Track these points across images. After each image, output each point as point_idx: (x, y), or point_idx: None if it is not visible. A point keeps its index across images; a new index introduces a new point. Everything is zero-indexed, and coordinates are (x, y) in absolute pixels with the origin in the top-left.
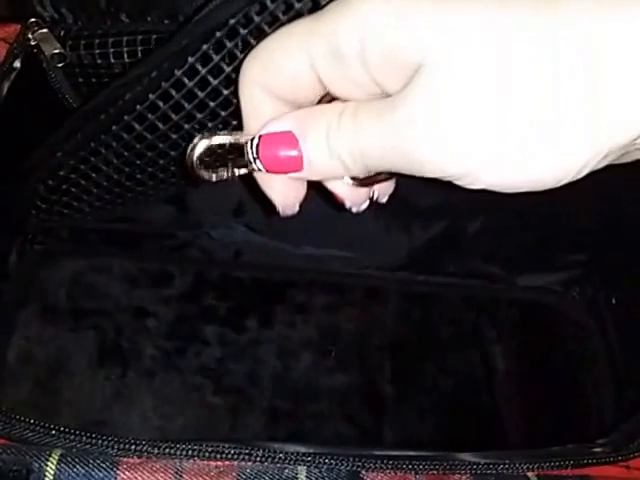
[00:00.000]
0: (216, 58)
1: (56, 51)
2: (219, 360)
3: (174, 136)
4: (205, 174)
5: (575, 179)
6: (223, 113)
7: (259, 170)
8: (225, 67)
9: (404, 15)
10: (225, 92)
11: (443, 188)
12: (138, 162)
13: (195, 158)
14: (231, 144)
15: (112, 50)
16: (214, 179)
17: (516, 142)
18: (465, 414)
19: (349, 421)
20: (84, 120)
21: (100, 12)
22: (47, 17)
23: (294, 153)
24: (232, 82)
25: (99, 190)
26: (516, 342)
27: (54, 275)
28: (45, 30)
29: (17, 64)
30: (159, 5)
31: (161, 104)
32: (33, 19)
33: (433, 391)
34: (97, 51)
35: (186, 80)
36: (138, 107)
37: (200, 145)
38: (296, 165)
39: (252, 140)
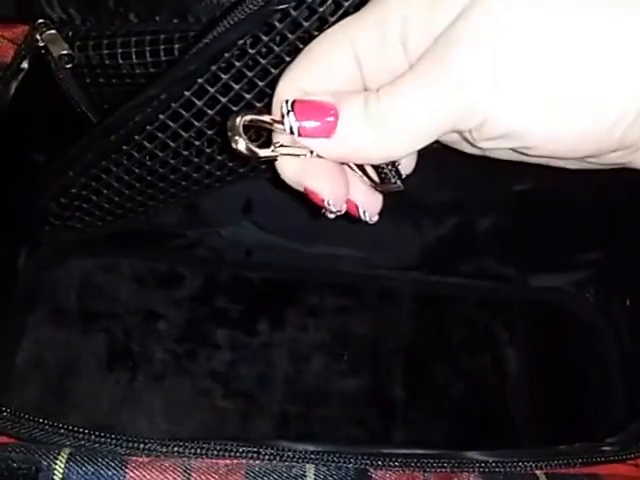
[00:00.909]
0: (225, 77)
1: (64, 52)
2: (230, 364)
3: (185, 152)
4: (249, 148)
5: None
6: None
7: (290, 132)
8: (234, 85)
9: None
10: (234, 108)
11: (455, 187)
12: (149, 178)
13: (240, 129)
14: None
15: (120, 51)
16: (260, 154)
17: (569, 87)
18: (477, 417)
19: (360, 425)
20: (95, 140)
21: (109, 12)
22: (55, 18)
23: (330, 119)
24: (241, 98)
25: (111, 205)
26: (529, 343)
27: (63, 277)
28: (53, 31)
29: (25, 65)
30: (168, 5)
31: (171, 124)
32: (41, 20)
33: (445, 394)
34: (105, 52)
35: (195, 100)
36: (148, 127)
37: (242, 120)
38: (329, 129)
39: (288, 102)
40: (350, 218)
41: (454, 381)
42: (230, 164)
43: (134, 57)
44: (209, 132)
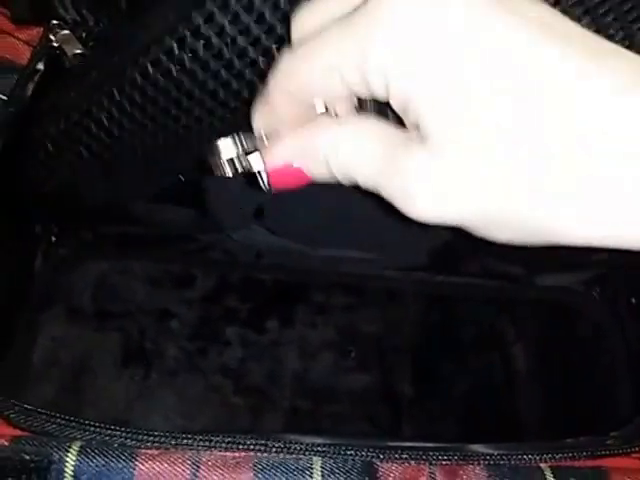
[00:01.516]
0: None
1: (78, 51)
2: (240, 360)
3: (187, 83)
4: (226, 170)
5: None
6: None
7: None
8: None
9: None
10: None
11: None
12: (149, 109)
13: (222, 160)
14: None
15: None
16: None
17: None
18: (484, 413)
19: (368, 420)
20: (100, 59)
21: (120, 13)
22: (69, 19)
23: (302, 181)
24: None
25: (111, 140)
26: (535, 342)
27: (78, 278)
28: (67, 32)
29: (40, 66)
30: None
31: (176, 49)
32: (55, 21)
33: (452, 390)
34: None
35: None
36: (153, 48)
37: (223, 146)
38: (303, 182)
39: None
40: None
41: (461, 378)
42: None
43: None
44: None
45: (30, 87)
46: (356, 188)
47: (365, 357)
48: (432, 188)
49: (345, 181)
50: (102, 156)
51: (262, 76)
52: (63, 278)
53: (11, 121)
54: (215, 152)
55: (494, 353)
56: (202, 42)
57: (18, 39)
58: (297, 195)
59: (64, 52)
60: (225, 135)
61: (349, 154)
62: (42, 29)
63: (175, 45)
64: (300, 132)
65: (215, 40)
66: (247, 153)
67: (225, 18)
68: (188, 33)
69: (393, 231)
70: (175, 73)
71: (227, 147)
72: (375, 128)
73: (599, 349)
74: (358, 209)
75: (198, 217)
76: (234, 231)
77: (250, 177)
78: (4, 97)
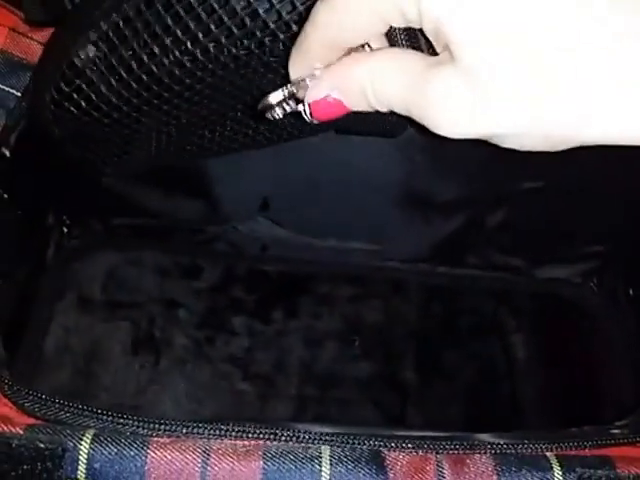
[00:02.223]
0: None
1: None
2: (247, 349)
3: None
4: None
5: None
6: None
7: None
8: None
9: None
10: None
11: (464, 180)
12: (158, 53)
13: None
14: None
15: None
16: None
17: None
18: (487, 401)
19: (374, 407)
20: None
21: None
22: None
23: (341, 111)
24: None
25: (118, 84)
26: (535, 332)
27: (89, 268)
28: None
29: None
30: None
31: None
32: None
33: (455, 378)
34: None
35: None
36: None
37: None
38: (342, 112)
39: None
40: None
41: (464, 366)
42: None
43: None
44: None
45: None
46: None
47: (369, 346)
48: (464, 102)
49: (381, 108)
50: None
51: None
52: (74, 268)
53: (25, 115)
54: (266, 102)
55: (495, 342)
56: None
57: (32, 39)
58: (302, 187)
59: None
60: None
61: (383, 81)
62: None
63: None
64: (336, 66)
65: None
66: (292, 95)
67: None
68: None
69: (397, 223)
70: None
71: (276, 95)
72: (406, 55)
73: (598, 339)
74: (363, 202)
75: (205, 209)
76: (240, 223)
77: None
78: (19, 94)
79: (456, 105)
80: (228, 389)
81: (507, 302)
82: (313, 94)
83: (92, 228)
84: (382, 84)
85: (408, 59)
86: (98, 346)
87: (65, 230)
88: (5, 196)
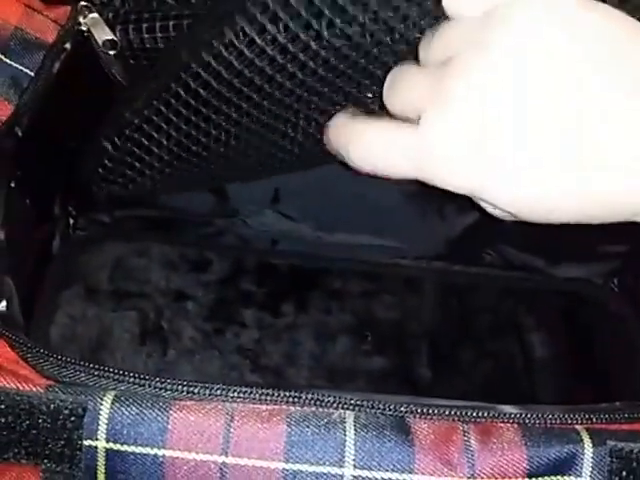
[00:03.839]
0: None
1: (108, 37)
2: (257, 341)
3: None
4: None
5: None
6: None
7: None
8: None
9: None
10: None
11: None
12: (194, 119)
13: None
14: None
15: (160, 35)
16: None
17: None
18: (502, 401)
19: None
20: (148, 80)
21: None
22: (96, 1)
23: None
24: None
25: (160, 150)
26: (554, 331)
27: (96, 259)
28: (95, 15)
29: (67, 46)
30: None
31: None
32: (84, 2)
33: (470, 377)
34: (146, 36)
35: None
36: (193, 65)
37: None
38: None
39: None
40: None
41: (479, 365)
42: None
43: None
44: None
45: (56, 65)
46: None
47: (382, 342)
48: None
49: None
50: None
51: None
52: (80, 259)
53: (37, 97)
54: None
55: (512, 340)
56: None
57: (47, 17)
58: (313, 181)
59: (93, 36)
60: None
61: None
62: (70, 8)
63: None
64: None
65: None
66: None
67: None
68: None
69: (410, 218)
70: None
71: None
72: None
73: (619, 339)
74: (375, 196)
75: (215, 202)
76: (250, 217)
77: None
78: (32, 73)
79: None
80: (237, 380)
81: (526, 301)
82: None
83: (99, 219)
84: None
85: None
86: (105, 335)
87: (71, 221)
88: (12, 185)
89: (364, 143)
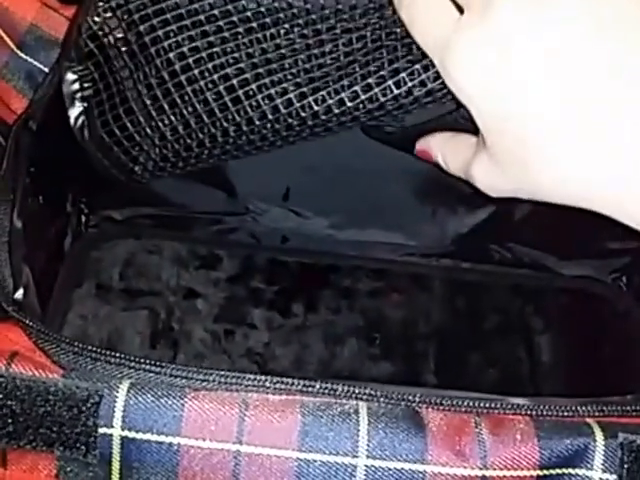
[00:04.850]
0: None
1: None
2: (266, 345)
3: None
4: None
5: None
6: None
7: None
8: None
9: None
10: None
11: None
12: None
13: None
14: None
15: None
16: None
17: None
18: None
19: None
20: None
21: None
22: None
23: None
24: None
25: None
26: (563, 331)
27: (107, 256)
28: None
29: (81, 43)
30: None
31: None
32: (100, 2)
33: (477, 380)
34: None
35: None
36: None
37: None
38: None
39: None
40: None
41: (487, 368)
42: None
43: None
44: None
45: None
46: None
47: (390, 344)
48: (493, 178)
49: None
50: None
51: None
52: (92, 256)
53: (52, 92)
54: None
55: (520, 341)
56: None
57: (63, 16)
58: (324, 178)
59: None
60: None
61: (445, 161)
62: (84, 7)
63: None
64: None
65: None
66: None
67: None
68: None
69: (420, 216)
70: None
71: None
72: (459, 141)
73: (628, 338)
74: (385, 193)
75: (225, 199)
76: (260, 214)
77: None
78: (46, 69)
79: (489, 180)
80: None
81: (534, 300)
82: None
83: (110, 216)
84: (445, 163)
85: (460, 146)
86: (116, 336)
87: (83, 218)
88: (27, 180)
89: None
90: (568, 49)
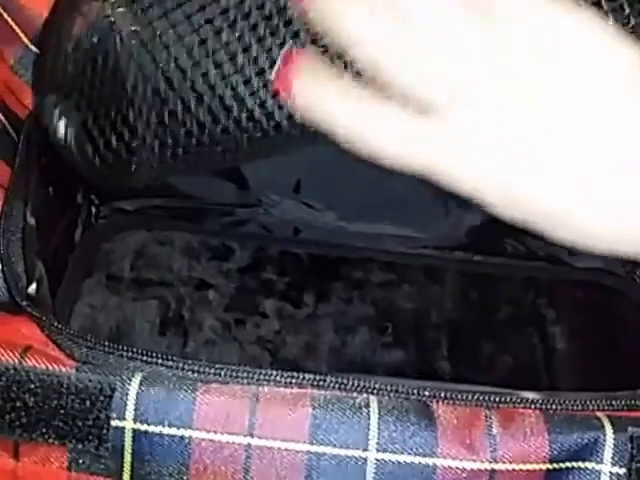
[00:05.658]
0: None
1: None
2: (277, 333)
3: None
4: None
5: None
6: None
7: None
8: None
9: None
10: None
11: None
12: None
13: None
14: None
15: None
16: None
17: None
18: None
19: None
20: None
21: None
22: None
23: None
24: None
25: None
26: (576, 323)
27: (118, 247)
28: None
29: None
30: None
31: None
32: None
33: (490, 370)
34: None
35: None
36: None
37: None
38: None
39: None
40: None
41: (500, 358)
42: None
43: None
44: None
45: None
46: None
47: (402, 334)
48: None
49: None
50: None
51: None
52: (102, 247)
53: None
54: None
55: (533, 332)
56: None
57: None
58: (335, 170)
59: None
60: None
61: None
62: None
63: None
64: None
65: None
66: None
67: None
68: None
69: (432, 208)
70: None
71: None
72: None
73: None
74: (397, 185)
75: (237, 191)
76: (272, 206)
77: None
78: None
79: None
80: None
81: (547, 292)
82: None
83: (121, 207)
84: None
85: None
86: (125, 325)
87: (93, 209)
88: (38, 171)
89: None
90: None
